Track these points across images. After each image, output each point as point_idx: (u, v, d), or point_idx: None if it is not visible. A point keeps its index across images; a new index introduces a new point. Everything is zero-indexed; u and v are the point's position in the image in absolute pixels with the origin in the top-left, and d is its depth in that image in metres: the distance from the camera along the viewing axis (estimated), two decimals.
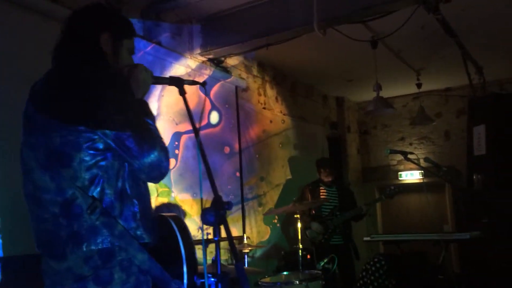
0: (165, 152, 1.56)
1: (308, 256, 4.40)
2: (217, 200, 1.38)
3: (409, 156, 3.91)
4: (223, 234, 1.42)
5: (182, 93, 1.69)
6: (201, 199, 1.70)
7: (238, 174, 4.90)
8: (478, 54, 5.23)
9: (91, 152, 1.45)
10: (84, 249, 1.43)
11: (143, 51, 3.87)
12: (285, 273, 3.65)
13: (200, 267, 1.78)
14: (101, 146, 1.46)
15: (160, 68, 4.04)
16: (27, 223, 1.58)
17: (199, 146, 1.50)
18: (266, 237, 5.34)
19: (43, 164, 1.49)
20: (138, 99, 1.62)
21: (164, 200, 3.86)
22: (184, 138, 4.19)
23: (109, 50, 1.64)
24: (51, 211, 1.48)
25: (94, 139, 1.45)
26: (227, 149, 4.78)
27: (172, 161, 4.02)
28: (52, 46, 1.65)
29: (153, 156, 1.50)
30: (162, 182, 3.82)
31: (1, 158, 2.58)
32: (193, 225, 4.08)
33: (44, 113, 1.49)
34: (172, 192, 3.98)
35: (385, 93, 5.38)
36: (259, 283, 3.28)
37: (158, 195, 3.82)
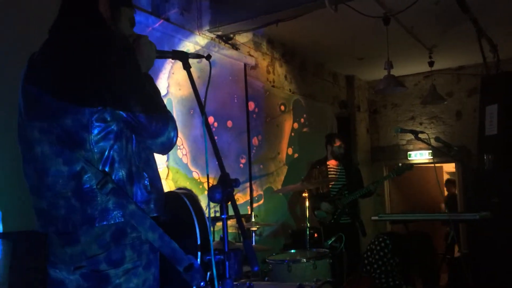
0: (174, 126, 1.54)
1: (316, 235, 4.42)
2: (224, 177, 1.37)
3: (420, 135, 3.86)
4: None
5: (187, 67, 1.64)
6: (207, 176, 1.67)
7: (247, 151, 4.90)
8: (493, 31, 5.10)
9: (99, 124, 1.41)
10: (96, 225, 1.40)
11: (151, 27, 3.82)
12: (292, 251, 3.67)
13: None
14: (108, 117, 1.41)
15: (169, 45, 3.99)
16: (25, 199, 1.54)
17: (205, 122, 1.48)
18: (278, 214, 5.38)
19: (49, 142, 1.44)
20: (144, 72, 1.57)
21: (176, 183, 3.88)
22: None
23: (108, 15, 1.57)
24: (57, 190, 1.43)
25: (100, 109, 1.40)
26: (235, 128, 4.76)
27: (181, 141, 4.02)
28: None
29: (163, 132, 1.49)
30: (172, 166, 3.86)
31: None
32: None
33: (51, 94, 1.44)
34: (181, 170, 3.99)
35: (396, 71, 5.29)
36: (267, 260, 3.30)
37: (168, 172, 3.84)
